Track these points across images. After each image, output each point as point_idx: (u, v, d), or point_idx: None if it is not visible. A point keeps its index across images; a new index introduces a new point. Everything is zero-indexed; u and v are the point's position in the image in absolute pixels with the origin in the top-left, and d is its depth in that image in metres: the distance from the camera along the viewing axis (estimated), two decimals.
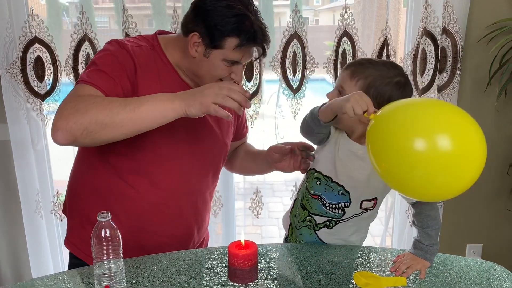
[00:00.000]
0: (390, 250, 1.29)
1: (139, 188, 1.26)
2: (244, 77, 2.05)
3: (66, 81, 2.04)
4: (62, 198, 2.22)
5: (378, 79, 1.16)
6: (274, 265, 1.20)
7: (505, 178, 2.30)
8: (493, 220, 2.38)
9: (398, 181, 0.97)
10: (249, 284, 1.11)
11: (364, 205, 1.27)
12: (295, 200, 1.40)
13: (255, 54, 1.23)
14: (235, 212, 2.32)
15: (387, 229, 2.51)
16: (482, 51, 2.10)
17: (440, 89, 2.10)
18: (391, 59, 2.08)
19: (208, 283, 1.12)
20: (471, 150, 0.93)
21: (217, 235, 2.39)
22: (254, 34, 1.17)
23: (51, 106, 2.07)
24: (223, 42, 1.16)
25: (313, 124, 1.17)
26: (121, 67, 1.16)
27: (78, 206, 1.33)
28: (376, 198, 1.27)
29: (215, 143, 1.36)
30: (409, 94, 1.20)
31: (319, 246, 1.31)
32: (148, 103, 1.07)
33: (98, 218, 1.01)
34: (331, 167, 1.26)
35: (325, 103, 1.15)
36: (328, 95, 1.24)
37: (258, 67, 2.05)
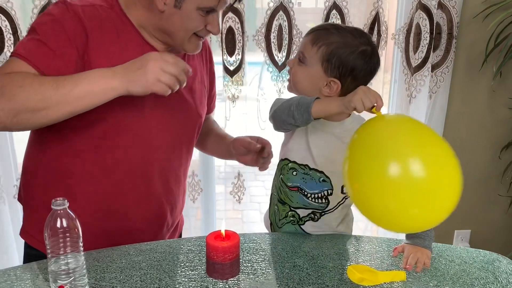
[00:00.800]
0: (385, 240, 1.18)
1: (101, 166, 1.10)
2: (226, 52, 1.89)
3: None
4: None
5: (341, 47, 1.05)
6: (257, 258, 1.07)
7: (496, 162, 2.22)
8: (483, 205, 2.30)
9: (369, 206, 0.88)
10: (230, 280, 0.98)
11: (346, 189, 1.16)
12: (271, 197, 1.26)
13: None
14: (215, 197, 2.19)
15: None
16: (478, 27, 1.99)
17: (433, 67, 1.99)
18: (382, 35, 1.96)
19: (183, 279, 0.98)
20: (449, 182, 0.87)
21: (196, 220, 2.26)
22: None
23: None
24: None
25: (299, 117, 1.01)
26: (66, 36, 0.99)
27: (33, 191, 1.16)
28: None
29: (188, 114, 1.21)
30: (375, 66, 1.10)
31: (307, 236, 1.18)
32: (84, 83, 0.94)
33: (52, 206, 0.86)
34: (305, 154, 1.13)
35: (318, 98, 1.01)
36: (289, 62, 1.14)
37: (241, 41, 1.89)
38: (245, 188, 2.16)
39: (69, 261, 0.89)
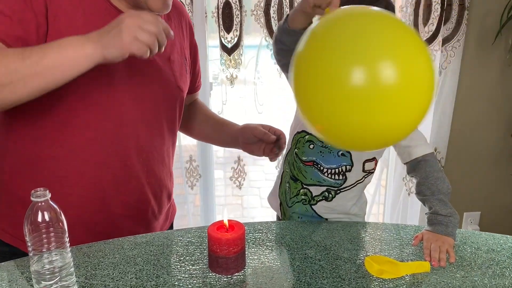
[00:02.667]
0: (403, 226, 1.08)
1: (71, 147, 0.98)
2: (223, 28, 1.77)
3: None
4: None
5: None
6: (264, 249, 0.98)
7: (508, 141, 2.12)
8: (493, 186, 2.22)
9: (330, 124, 0.73)
10: (235, 275, 0.88)
11: (367, 166, 1.10)
12: (282, 175, 1.19)
13: None
14: (214, 183, 2.08)
15: (374, 196, 2.34)
16: None
17: (444, 41, 1.87)
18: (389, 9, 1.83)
19: (183, 275, 0.88)
20: (419, 80, 0.69)
21: (194, 207, 2.17)
22: None
23: None
24: None
25: (284, 34, 0.91)
26: (27, 8, 0.87)
27: (2, 181, 1.05)
28: (375, 158, 1.10)
29: (166, 86, 1.08)
30: None
31: (318, 224, 1.09)
32: (54, 51, 0.83)
33: (32, 198, 0.75)
34: None
35: None
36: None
37: (239, 16, 1.76)
38: (246, 173, 2.06)
39: (54, 259, 0.79)
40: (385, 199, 2.26)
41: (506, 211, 2.26)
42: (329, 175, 1.09)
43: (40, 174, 0.99)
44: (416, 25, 1.85)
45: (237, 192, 2.17)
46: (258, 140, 1.19)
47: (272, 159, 1.22)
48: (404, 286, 0.86)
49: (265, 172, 3.35)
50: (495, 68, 2.01)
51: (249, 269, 0.90)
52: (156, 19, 0.86)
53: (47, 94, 0.89)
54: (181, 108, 1.17)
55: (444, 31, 1.86)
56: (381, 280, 0.87)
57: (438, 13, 1.79)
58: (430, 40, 1.84)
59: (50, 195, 0.77)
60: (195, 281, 0.86)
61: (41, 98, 0.89)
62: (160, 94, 1.07)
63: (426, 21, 1.83)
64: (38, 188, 0.76)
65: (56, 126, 0.96)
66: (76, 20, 0.92)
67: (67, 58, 0.83)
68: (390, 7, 1.00)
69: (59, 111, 0.96)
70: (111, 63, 0.86)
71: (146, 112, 1.04)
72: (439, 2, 1.78)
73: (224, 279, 0.87)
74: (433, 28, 1.82)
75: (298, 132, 1.12)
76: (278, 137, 1.19)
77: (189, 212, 2.12)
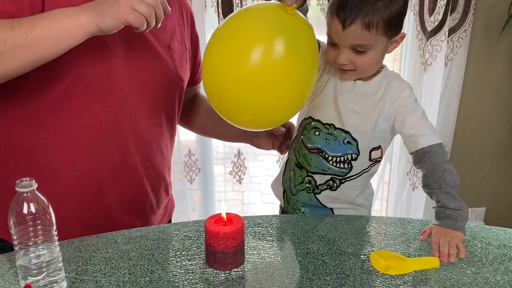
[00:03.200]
0: (409, 221, 1.03)
1: (66, 134, 0.94)
2: (223, 17, 1.72)
3: None
4: None
5: (391, 6, 0.91)
6: (264, 244, 0.93)
7: None
8: (499, 181, 2.18)
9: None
10: (233, 271, 0.84)
11: (374, 155, 1.06)
12: (286, 162, 1.16)
13: None
14: (214, 178, 2.04)
15: (377, 193, 2.30)
16: None
17: (450, 32, 1.82)
18: None
19: (179, 270, 0.84)
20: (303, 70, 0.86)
21: (194, 202, 2.13)
22: None
23: None
24: None
25: None
26: None
27: None
28: (380, 146, 1.06)
29: (166, 75, 1.04)
30: None
31: (321, 218, 1.04)
32: (44, 23, 0.79)
33: (17, 188, 0.71)
34: (332, 113, 1.04)
35: None
36: (340, 62, 0.96)
37: (239, 4, 1.72)
38: (246, 167, 2.01)
39: (41, 253, 0.75)
40: (388, 195, 2.22)
41: None
42: (334, 163, 1.06)
43: (32, 162, 0.95)
44: (421, 14, 1.80)
45: (237, 187, 2.13)
46: (267, 133, 1.17)
47: (284, 151, 1.19)
48: (412, 282, 0.81)
49: (265, 168, 3.32)
50: (502, 60, 1.96)
51: (248, 265, 0.86)
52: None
53: (41, 77, 0.86)
54: (180, 100, 1.13)
55: (451, 21, 1.81)
56: (388, 276, 0.83)
57: (445, 2, 1.74)
58: (436, 30, 1.80)
59: (36, 185, 0.72)
60: (191, 277, 0.82)
61: (35, 81, 0.86)
62: (159, 82, 1.03)
63: (432, 10, 1.78)
64: (24, 178, 0.72)
65: (51, 111, 0.92)
66: (77, 1, 0.86)
67: (59, 28, 0.79)
68: None
69: (54, 96, 0.91)
70: (106, 34, 0.82)
71: (144, 100, 1.00)
72: None
73: (222, 275, 0.83)
74: (439, 17, 1.77)
75: (305, 118, 1.08)
76: (288, 129, 1.17)
77: (188, 207, 2.09)
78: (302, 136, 1.09)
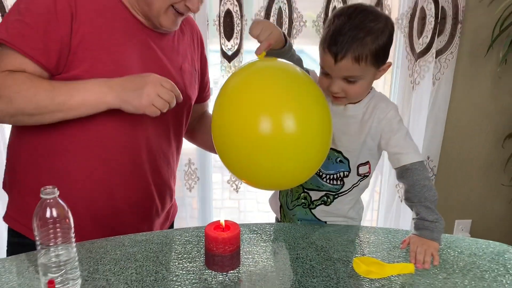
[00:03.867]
0: (391, 231, 1.13)
1: (86, 143, 1.05)
2: (224, 36, 1.83)
3: None
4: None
5: (378, 39, 1.00)
6: (259, 249, 1.03)
7: (499, 151, 2.18)
8: (485, 195, 2.27)
9: (242, 165, 0.92)
10: (230, 272, 0.93)
11: (361, 170, 1.15)
12: None
13: None
14: (212, 186, 2.13)
15: (369, 203, 2.39)
16: (484, 12, 1.94)
17: (437, 53, 1.93)
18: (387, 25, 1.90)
19: (181, 271, 0.93)
20: (319, 134, 0.90)
21: (192, 209, 2.21)
22: None
23: None
24: None
25: None
26: (54, 19, 0.97)
27: (16, 172, 1.11)
28: (369, 162, 1.15)
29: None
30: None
31: (311, 226, 1.14)
32: (80, 94, 0.97)
33: (41, 195, 0.81)
34: None
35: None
36: (332, 91, 1.06)
37: (240, 25, 1.82)
38: None
39: (60, 253, 0.84)
40: (379, 205, 2.32)
41: (497, 219, 2.32)
42: (328, 181, 1.14)
43: (52, 167, 1.05)
44: (411, 36, 1.91)
45: (234, 195, 2.22)
46: None
47: None
48: (389, 286, 0.91)
49: None
50: (487, 80, 2.07)
51: (243, 268, 0.95)
52: (173, 87, 0.99)
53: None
54: (188, 115, 1.24)
55: (438, 43, 1.92)
56: (368, 279, 0.92)
57: (432, 26, 1.85)
58: (424, 52, 1.91)
59: (58, 193, 0.82)
60: (192, 277, 0.91)
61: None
62: None
63: (420, 33, 1.89)
64: (47, 186, 0.81)
65: (72, 122, 1.03)
66: (99, 27, 1.00)
67: (90, 102, 0.98)
68: (389, 24, 1.04)
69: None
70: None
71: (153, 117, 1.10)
72: (433, 15, 1.84)
73: (220, 276, 0.92)
74: (427, 40, 1.88)
75: None
76: None
77: (186, 214, 2.17)
78: None
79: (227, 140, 0.91)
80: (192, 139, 1.41)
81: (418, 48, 1.91)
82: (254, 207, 3.09)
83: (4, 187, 1.18)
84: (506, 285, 0.92)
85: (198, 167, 2.04)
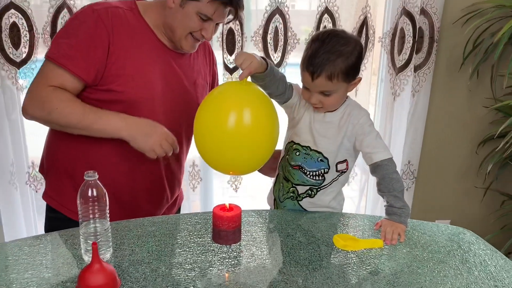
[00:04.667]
0: (366, 216, 1.35)
1: (116, 143, 1.28)
2: (226, 51, 2.06)
3: (44, 50, 1.99)
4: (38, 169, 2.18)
5: (347, 60, 1.20)
6: (256, 228, 1.24)
7: (473, 157, 2.40)
8: (461, 197, 2.49)
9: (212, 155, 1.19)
10: (233, 245, 1.14)
11: (339, 167, 1.33)
12: (277, 176, 1.44)
13: (230, 16, 1.33)
14: (213, 186, 2.34)
15: (359, 208, 2.58)
16: (457, 32, 2.17)
17: (416, 68, 2.17)
18: (370, 38, 2.13)
19: (192, 244, 1.14)
20: (269, 132, 1.17)
21: (195, 206, 2.41)
22: None
23: (27, 74, 2.03)
24: None
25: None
26: (91, 41, 1.21)
27: (54, 159, 1.36)
28: (346, 160, 1.34)
29: (189, 104, 1.38)
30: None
31: (300, 212, 1.35)
32: (101, 123, 1.23)
33: (85, 177, 1.02)
34: (308, 137, 1.32)
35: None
36: (311, 101, 1.26)
37: (240, 41, 2.05)
38: (242, 178, 2.32)
39: (97, 225, 1.05)
40: (366, 205, 2.53)
41: (473, 219, 2.53)
42: (311, 177, 1.34)
43: (86, 156, 1.30)
44: (392, 53, 2.14)
45: (234, 195, 2.41)
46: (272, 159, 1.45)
47: None
48: (361, 256, 1.12)
49: (258, 179, 3.57)
50: (462, 92, 2.30)
51: (243, 242, 1.16)
52: (174, 142, 1.25)
53: (105, 101, 1.25)
54: None
55: (417, 60, 2.15)
56: (345, 251, 1.13)
57: (411, 44, 2.09)
58: (404, 66, 2.14)
59: (97, 176, 1.03)
60: (201, 248, 1.12)
61: (99, 103, 1.25)
62: (183, 109, 1.38)
63: (400, 51, 2.13)
64: (90, 171, 1.02)
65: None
66: (130, 49, 1.25)
67: (107, 132, 1.24)
68: (358, 46, 1.24)
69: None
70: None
71: (171, 121, 1.35)
72: (411, 35, 2.08)
73: (224, 248, 1.13)
74: (406, 57, 2.12)
75: (288, 142, 1.37)
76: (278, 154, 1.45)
77: (190, 211, 2.37)
78: (287, 156, 1.36)
79: (203, 136, 1.16)
80: None
81: (399, 64, 2.15)
82: (254, 207, 3.26)
83: (40, 170, 1.42)
84: (457, 257, 1.13)
85: (201, 168, 2.25)
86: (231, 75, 2.10)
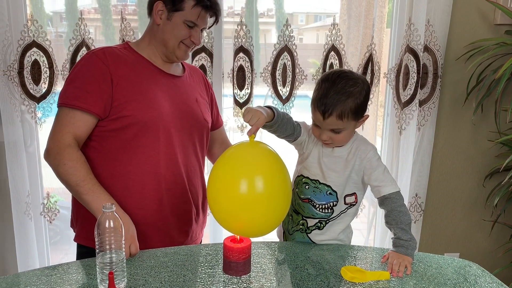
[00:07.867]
0: (374, 248, 1.38)
1: (139, 164, 1.39)
2: (236, 86, 2.14)
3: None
4: (53, 200, 2.24)
5: (355, 100, 1.26)
6: (266, 260, 1.27)
7: (480, 190, 2.42)
8: (469, 229, 2.49)
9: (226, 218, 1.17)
10: (243, 276, 1.17)
11: (348, 200, 1.38)
12: None
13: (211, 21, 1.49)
14: None
15: (368, 240, 2.59)
16: (460, 68, 2.23)
17: (421, 103, 2.22)
18: (375, 74, 2.21)
19: (203, 275, 1.18)
20: (282, 197, 1.17)
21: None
22: None
23: (45, 108, 2.12)
24: (183, 4, 1.39)
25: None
26: (96, 80, 1.34)
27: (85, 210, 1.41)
28: (355, 193, 1.38)
29: (196, 118, 1.52)
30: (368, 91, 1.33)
31: (308, 244, 1.38)
32: (89, 196, 1.30)
33: (103, 209, 1.07)
34: (317, 171, 1.37)
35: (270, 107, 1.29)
36: (322, 139, 1.32)
37: (250, 77, 2.13)
38: None
39: (113, 255, 1.09)
40: (374, 237, 2.54)
41: (482, 253, 2.52)
42: (320, 210, 1.38)
43: (113, 185, 1.38)
44: (397, 88, 2.21)
45: None
46: None
47: None
48: None
49: None
50: (467, 126, 2.34)
51: (253, 273, 1.20)
52: (136, 250, 1.28)
53: (116, 127, 1.37)
54: (207, 136, 1.60)
55: (422, 95, 2.21)
56: (352, 283, 1.16)
57: (415, 80, 2.15)
58: (409, 101, 2.19)
59: (114, 208, 1.08)
60: (212, 280, 1.16)
61: (112, 131, 1.37)
62: (192, 125, 1.50)
63: (405, 86, 2.19)
64: (107, 203, 1.08)
65: (123, 149, 1.39)
66: (131, 79, 1.38)
67: (91, 206, 1.30)
68: (366, 86, 1.31)
69: (124, 139, 1.38)
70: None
71: (184, 137, 1.47)
72: (416, 71, 2.14)
73: (235, 279, 1.16)
74: (411, 92, 2.18)
75: (297, 176, 1.42)
76: None
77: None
78: (296, 189, 1.41)
79: (217, 199, 1.16)
80: (211, 158, 1.76)
81: (404, 99, 2.21)
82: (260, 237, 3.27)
83: (72, 225, 1.52)
84: None
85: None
86: (240, 108, 2.17)
